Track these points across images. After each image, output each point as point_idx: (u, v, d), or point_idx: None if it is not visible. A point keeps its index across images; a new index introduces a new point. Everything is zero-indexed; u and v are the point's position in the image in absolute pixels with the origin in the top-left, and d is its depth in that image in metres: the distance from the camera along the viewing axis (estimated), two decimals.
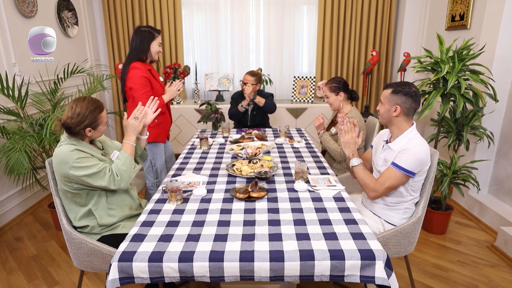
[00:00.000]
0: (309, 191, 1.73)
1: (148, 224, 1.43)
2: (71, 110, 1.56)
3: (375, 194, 1.70)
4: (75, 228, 1.67)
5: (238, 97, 3.25)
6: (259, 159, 2.13)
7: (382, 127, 3.08)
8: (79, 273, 1.85)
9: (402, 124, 1.69)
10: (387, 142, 1.77)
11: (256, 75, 3.07)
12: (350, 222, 1.42)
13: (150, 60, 2.44)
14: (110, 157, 1.74)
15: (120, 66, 3.90)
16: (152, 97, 1.93)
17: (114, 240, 1.61)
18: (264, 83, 4.34)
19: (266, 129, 3.10)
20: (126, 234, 1.55)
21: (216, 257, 1.20)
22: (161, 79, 2.58)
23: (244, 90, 3.03)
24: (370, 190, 1.70)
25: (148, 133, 1.93)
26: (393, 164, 1.63)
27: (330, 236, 1.31)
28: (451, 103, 2.54)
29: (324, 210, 1.53)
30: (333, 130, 2.56)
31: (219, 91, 4.38)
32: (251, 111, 3.20)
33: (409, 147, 1.61)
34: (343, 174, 2.50)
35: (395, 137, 1.72)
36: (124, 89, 2.38)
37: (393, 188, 1.67)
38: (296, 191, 1.73)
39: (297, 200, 1.63)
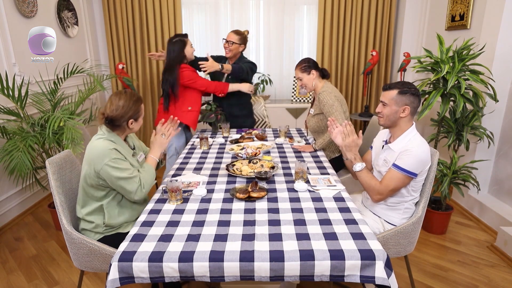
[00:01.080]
0: (309, 191, 1.73)
1: (148, 224, 1.43)
2: (114, 103, 1.59)
3: (379, 197, 1.70)
4: (79, 220, 1.68)
5: (215, 58, 3.00)
6: (259, 159, 2.13)
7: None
8: (79, 273, 1.85)
9: (405, 124, 1.69)
10: (386, 142, 1.77)
11: (242, 35, 2.89)
12: (350, 222, 1.42)
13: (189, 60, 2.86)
14: (137, 158, 1.76)
15: (120, 66, 3.90)
16: (171, 116, 1.99)
17: (114, 239, 1.61)
18: (264, 83, 4.35)
19: (266, 129, 3.09)
20: (126, 233, 1.56)
21: (216, 257, 1.20)
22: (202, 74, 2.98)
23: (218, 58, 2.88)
24: (375, 193, 1.70)
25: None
26: (395, 165, 1.63)
27: (330, 236, 1.31)
28: (451, 103, 2.54)
29: (324, 210, 1.53)
30: (312, 111, 2.57)
31: None
32: (227, 76, 2.98)
33: (409, 148, 1.61)
34: (336, 155, 2.51)
35: (395, 137, 1.72)
36: (177, 89, 2.75)
37: (397, 190, 1.67)
38: (296, 191, 1.73)
39: (297, 200, 1.63)
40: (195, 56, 3.04)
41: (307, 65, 2.48)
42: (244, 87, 2.91)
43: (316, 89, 2.52)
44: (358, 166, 1.74)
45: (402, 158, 1.61)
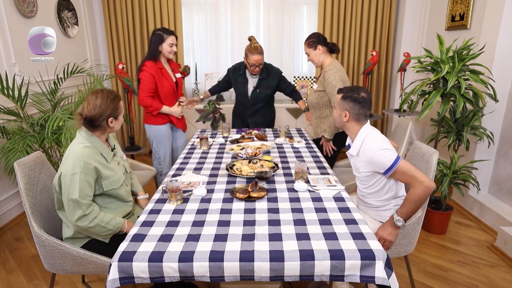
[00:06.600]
0: (309, 191, 1.73)
1: (148, 224, 1.43)
2: (91, 102, 1.55)
3: (427, 185, 1.53)
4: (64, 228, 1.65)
5: (233, 71, 2.95)
6: (259, 159, 2.13)
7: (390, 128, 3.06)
8: (51, 276, 1.84)
9: (354, 128, 1.70)
10: (349, 147, 1.79)
11: (262, 49, 2.72)
12: (350, 222, 1.42)
13: (167, 58, 2.73)
14: (120, 156, 1.75)
15: (121, 66, 3.90)
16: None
17: (96, 245, 1.60)
18: None
19: (266, 129, 3.09)
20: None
21: (216, 257, 1.20)
22: (178, 75, 2.84)
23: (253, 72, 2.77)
24: (424, 192, 1.54)
25: (147, 194, 2.01)
26: (387, 171, 1.58)
27: (330, 236, 1.31)
28: (451, 103, 2.54)
29: (324, 210, 1.53)
30: (315, 86, 2.60)
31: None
32: (254, 88, 2.89)
33: (371, 156, 1.58)
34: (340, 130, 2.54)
35: (352, 141, 1.73)
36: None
37: (417, 170, 1.57)
38: (296, 191, 1.73)
39: (297, 200, 1.63)
40: (218, 81, 3.14)
41: (313, 40, 2.48)
42: (176, 112, 2.77)
43: (324, 65, 2.52)
44: (399, 222, 1.58)
45: (380, 163, 1.57)
